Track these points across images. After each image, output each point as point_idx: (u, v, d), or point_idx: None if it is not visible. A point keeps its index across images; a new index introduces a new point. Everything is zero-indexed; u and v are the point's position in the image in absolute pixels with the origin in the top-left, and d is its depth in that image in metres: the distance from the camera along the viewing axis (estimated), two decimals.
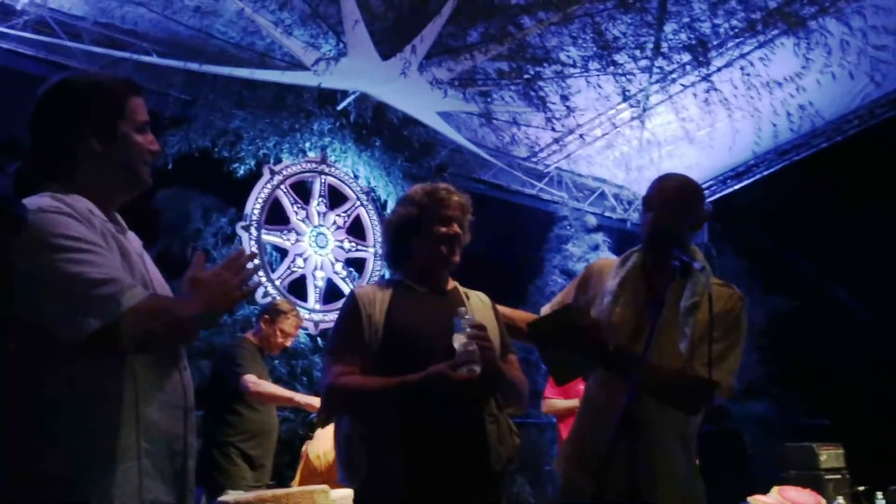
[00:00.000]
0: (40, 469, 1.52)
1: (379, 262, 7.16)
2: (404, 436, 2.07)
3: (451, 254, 2.29)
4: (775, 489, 4.10)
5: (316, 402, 3.94)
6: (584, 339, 2.22)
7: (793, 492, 4.04)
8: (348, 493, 2.92)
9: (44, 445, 1.53)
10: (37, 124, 1.72)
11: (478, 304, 2.36)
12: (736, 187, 9.02)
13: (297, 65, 6.12)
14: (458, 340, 2.03)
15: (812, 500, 3.96)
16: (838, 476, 5.54)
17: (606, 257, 2.72)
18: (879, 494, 5.43)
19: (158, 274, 1.85)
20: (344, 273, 6.98)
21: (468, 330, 2.04)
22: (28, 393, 1.54)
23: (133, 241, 1.81)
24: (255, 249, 6.40)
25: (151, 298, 1.62)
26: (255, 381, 3.99)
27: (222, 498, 2.76)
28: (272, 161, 6.64)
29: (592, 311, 2.48)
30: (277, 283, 6.52)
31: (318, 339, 6.54)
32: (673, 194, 2.41)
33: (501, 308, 2.51)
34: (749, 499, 3.99)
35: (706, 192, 9.06)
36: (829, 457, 5.58)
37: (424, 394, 2.02)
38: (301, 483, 3.68)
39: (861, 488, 5.49)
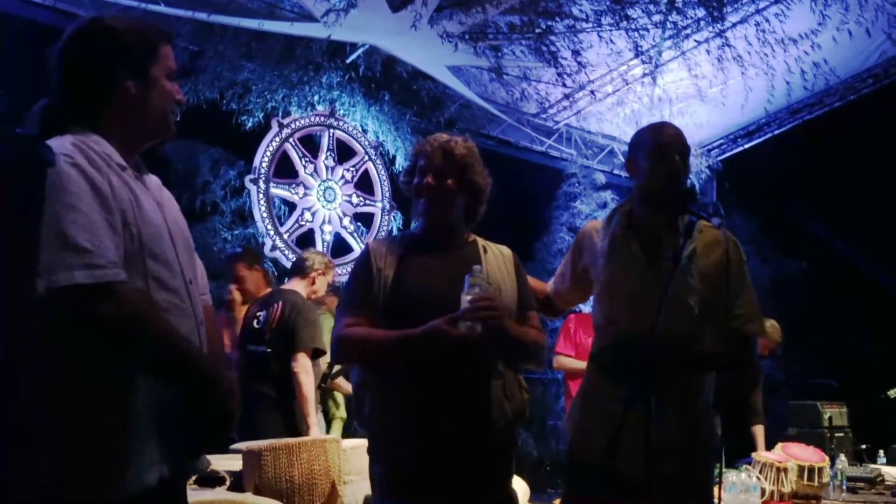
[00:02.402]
0: (43, 437, 1.48)
1: (387, 217, 7.16)
2: (408, 388, 2.07)
3: (428, 205, 2.23)
4: (779, 445, 4.13)
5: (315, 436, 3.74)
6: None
7: (796, 448, 4.06)
8: (360, 442, 2.96)
9: (48, 410, 1.49)
10: (67, 62, 1.66)
11: (496, 258, 2.29)
12: (746, 146, 8.94)
13: (306, 16, 6.04)
14: (465, 299, 2.01)
15: (815, 457, 3.98)
16: (841, 434, 5.59)
17: (594, 220, 2.63)
18: (881, 452, 5.49)
19: (181, 220, 1.80)
20: (352, 227, 7.00)
21: (477, 290, 2.01)
22: (29, 356, 1.49)
23: (152, 185, 1.76)
24: (263, 202, 6.41)
25: (138, 293, 1.55)
26: (306, 371, 3.80)
27: (235, 446, 2.80)
28: (280, 114, 6.61)
29: (591, 274, 2.45)
30: (286, 236, 6.54)
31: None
32: (679, 143, 2.32)
33: None
34: (753, 455, 4.03)
35: (716, 150, 9.01)
36: (833, 415, 5.63)
37: (425, 348, 2.03)
38: None
39: (864, 446, 5.54)
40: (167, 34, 1.76)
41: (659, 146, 2.31)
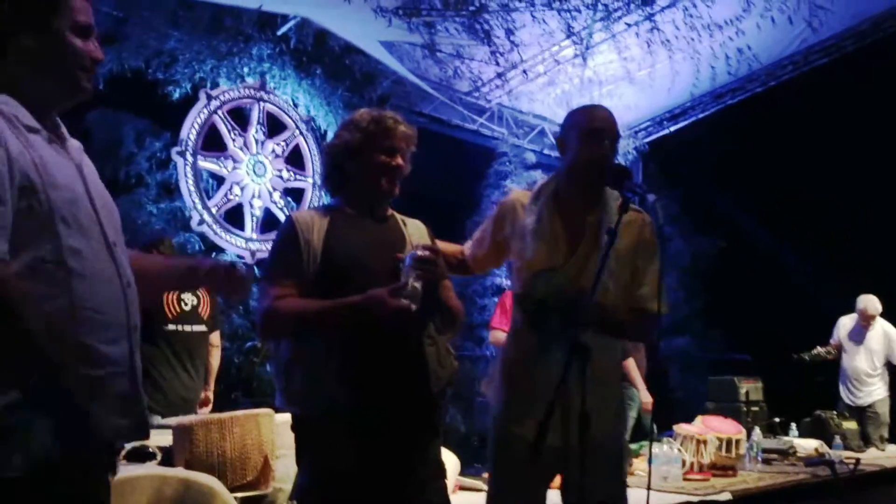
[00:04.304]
0: None
1: (317, 193, 7.09)
2: (344, 358, 2.07)
3: (392, 185, 2.25)
4: (699, 418, 4.30)
5: None
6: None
7: (715, 421, 4.23)
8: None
9: None
10: None
11: (416, 232, 2.35)
12: (672, 129, 9.14)
13: None
14: (405, 277, 2.03)
15: (733, 429, 4.17)
16: (757, 408, 5.84)
17: (518, 189, 2.70)
18: (793, 425, 5.77)
19: (101, 188, 1.69)
20: (282, 203, 6.91)
21: (416, 261, 2.04)
22: None
23: (72, 149, 1.66)
24: (190, 175, 6.26)
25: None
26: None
27: (164, 421, 2.75)
28: (209, 85, 6.45)
29: (513, 245, 2.50)
30: (214, 210, 6.41)
31: (255, 267, 6.48)
32: (610, 128, 2.39)
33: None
34: (675, 427, 4.18)
35: (643, 132, 9.20)
36: (749, 389, 5.87)
37: (363, 316, 2.04)
38: None
39: (777, 420, 5.81)
40: None
41: (590, 130, 2.37)
